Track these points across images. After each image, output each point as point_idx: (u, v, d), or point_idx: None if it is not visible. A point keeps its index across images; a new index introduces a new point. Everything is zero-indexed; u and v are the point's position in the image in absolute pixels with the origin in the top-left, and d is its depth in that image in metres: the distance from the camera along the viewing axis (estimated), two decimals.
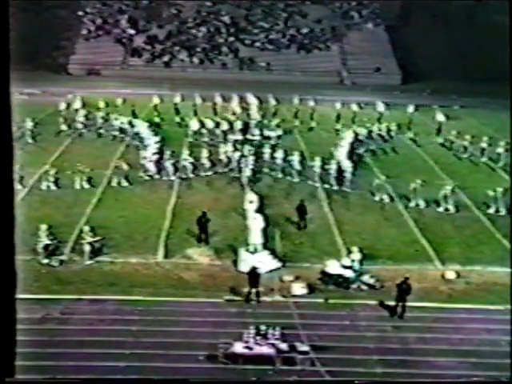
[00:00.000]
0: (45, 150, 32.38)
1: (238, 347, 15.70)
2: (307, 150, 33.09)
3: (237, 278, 19.65)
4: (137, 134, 35.39)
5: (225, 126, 35.85)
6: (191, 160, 29.88)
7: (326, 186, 28.46)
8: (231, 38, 62.52)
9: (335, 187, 28.38)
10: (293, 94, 43.18)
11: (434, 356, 16.16)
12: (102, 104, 39.17)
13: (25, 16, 46.72)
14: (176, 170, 29.43)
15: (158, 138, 33.97)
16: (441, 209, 26.16)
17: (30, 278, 18.71)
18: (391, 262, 21.42)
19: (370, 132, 36.44)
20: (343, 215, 25.51)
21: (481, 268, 21.26)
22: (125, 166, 28.65)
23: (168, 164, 29.50)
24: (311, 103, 41.55)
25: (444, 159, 33.82)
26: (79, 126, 36.32)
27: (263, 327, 16.26)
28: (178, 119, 39.24)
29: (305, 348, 16.00)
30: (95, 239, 21.18)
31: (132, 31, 62.81)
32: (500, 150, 33.08)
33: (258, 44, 62.09)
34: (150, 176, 29.09)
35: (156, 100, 40.99)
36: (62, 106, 38.53)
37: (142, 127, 35.86)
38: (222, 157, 30.50)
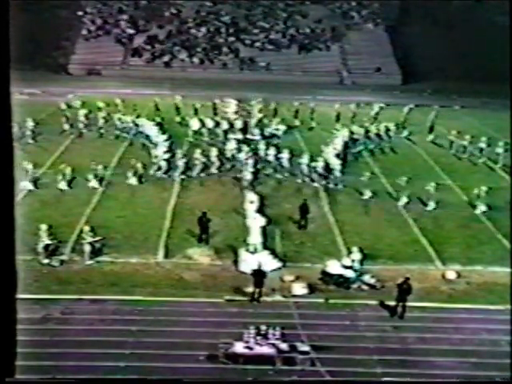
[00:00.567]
0: (45, 150, 32.37)
1: (239, 347, 15.70)
2: (308, 149, 33.08)
3: (237, 278, 19.67)
4: (141, 132, 35.47)
5: (225, 125, 35.92)
6: (204, 159, 30.00)
7: (312, 183, 28.83)
8: (231, 38, 62.52)
9: (321, 184, 28.64)
10: (293, 93, 43.17)
11: (434, 356, 16.16)
12: (102, 104, 39.15)
13: (25, 16, 46.66)
14: (187, 168, 29.54)
15: (165, 137, 34.11)
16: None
17: (31, 277, 18.73)
18: (392, 261, 21.43)
19: (367, 131, 36.47)
20: (344, 215, 25.50)
21: (481, 268, 21.27)
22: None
23: (181, 163, 29.58)
24: (311, 103, 41.54)
25: (444, 159, 33.82)
26: (80, 125, 36.31)
27: (264, 327, 16.25)
28: (178, 119, 39.24)
29: (305, 348, 16.01)
30: (95, 239, 21.18)
31: (132, 31, 62.83)
32: (499, 150, 33.10)
33: (258, 44, 62.09)
34: (164, 174, 29.22)
35: (157, 100, 40.97)
36: (63, 105, 38.52)
37: (147, 126, 35.87)
38: (223, 157, 30.54)
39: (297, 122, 39.49)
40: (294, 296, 18.92)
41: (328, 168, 29.43)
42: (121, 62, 59.66)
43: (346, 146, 33.81)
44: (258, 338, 15.94)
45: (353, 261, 20.17)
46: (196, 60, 59.93)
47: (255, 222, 23.15)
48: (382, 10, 66.32)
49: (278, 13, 65.93)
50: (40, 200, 25.87)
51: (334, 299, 18.81)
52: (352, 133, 35.65)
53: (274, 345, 15.83)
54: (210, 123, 36.35)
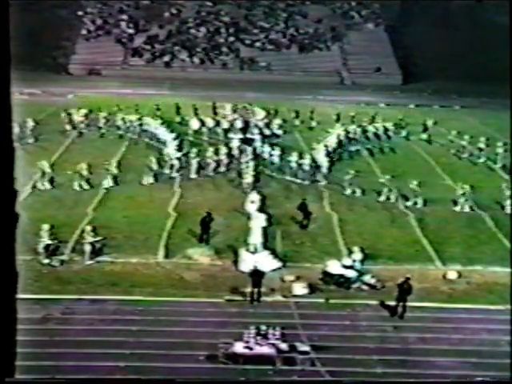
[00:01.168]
0: (46, 150, 32.36)
1: (239, 347, 15.70)
2: (308, 149, 33.08)
3: (238, 278, 19.65)
4: (145, 131, 35.48)
5: (225, 124, 35.92)
6: (216, 158, 30.05)
7: (298, 180, 29.13)
8: (231, 38, 62.55)
9: (307, 181, 28.86)
10: (293, 93, 43.17)
11: (435, 356, 16.16)
12: (103, 104, 39.18)
13: (25, 16, 46.69)
14: (200, 167, 29.60)
15: (174, 135, 34.11)
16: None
17: (31, 277, 18.72)
18: (392, 262, 21.42)
19: (364, 131, 36.46)
20: (344, 215, 25.49)
21: (482, 268, 21.26)
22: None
23: (194, 162, 29.59)
24: (311, 103, 41.56)
25: (445, 159, 33.81)
26: (81, 125, 36.32)
27: (264, 327, 16.26)
28: (178, 119, 39.24)
29: (305, 348, 16.00)
30: (96, 239, 21.17)
31: (132, 31, 62.84)
32: (499, 150, 33.08)
33: (258, 44, 62.12)
34: (177, 172, 29.30)
35: (157, 100, 40.99)
36: (64, 105, 38.54)
37: (154, 125, 35.82)
38: (223, 157, 30.55)
39: (297, 122, 39.52)
40: (295, 296, 18.91)
41: (316, 166, 29.65)
42: (121, 62, 59.71)
43: (340, 144, 34.00)
44: (258, 338, 15.94)
45: (354, 261, 20.16)
46: (196, 60, 59.97)
47: (256, 222, 23.14)
48: (382, 10, 66.39)
49: (278, 13, 65.98)
50: (40, 200, 25.87)
51: (335, 299, 18.80)
52: (348, 132, 35.67)
53: (273, 345, 15.82)
54: (210, 123, 36.37)
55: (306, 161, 29.50)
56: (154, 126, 35.78)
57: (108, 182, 27.58)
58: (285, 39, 62.91)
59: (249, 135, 35.33)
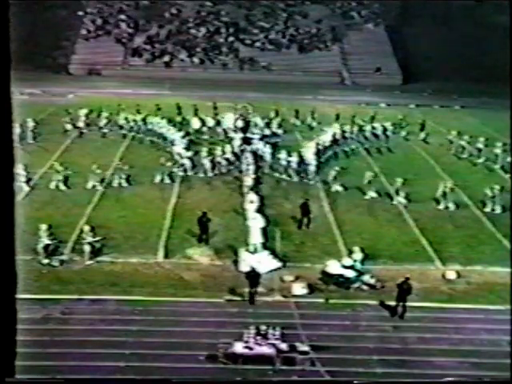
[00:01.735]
0: (46, 150, 32.36)
1: (238, 347, 15.70)
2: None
3: (237, 278, 19.65)
4: (150, 130, 35.41)
5: (225, 124, 35.90)
6: (228, 157, 30.06)
7: (286, 177, 29.36)
8: (231, 38, 62.51)
9: (295, 179, 29.03)
10: (293, 93, 43.17)
11: (434, 356, 16.16)
12: (103, 104, 39.16)
13: (25, 16, 46.67)
14: (214, 166, 29.56)
15: (182, 133, 34.05)
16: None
17: (31, 277, 18.73)
18: (392, 261, 21.42)
19: (361, 130, 36.44)
20: (344, 215, 25.49)
21: (481, 268, 21.26)
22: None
23: (206, 161, 29.54)
24: (312, 103, 41.55)
25: (445, 159, 33.80)
26: (82, 125, 36.31)
27: (263, 327, 16.26)
28: (179, 119, 39.21)
29: (305, 348, 16.00)
30: (96, 239, 21.17)
31: (132, 31, 62.82)
32: (498, 150, 33.06)
33: (258, 44, 62.09)
34: (185, 171, 29.30)
35: (158, 100, 40.96)
36: (65, 105, 38.52)
37: (159, 124, 35.68)
38: (229, 155, 30.58)
39: (297, 122, 39.52)
40: (294, 296, 18.91)
41: (304, 163, 29.75)
42: (121, 61, 59.64)
43: (335, 143, 34.12)
44: (258, 337, 15.94)
45: (355, 261, 20.17)
46: (196, 60, 59.91)
47: (255, 222, 23.13)
48: (382, 10, 66.33)
49: (278, 13, 65.93)
50: (40, 200, 25.86)
51: (334, 299, 18.80)
52: (344, 131, 35.65)
53: (273, 345, 15.82)
54: (210, 122, 36.36)
55: (294, 158, 29.57)
56: (161, 124, 35.66)
57: (119, 182, 27.63)
58: (285, 39, 62.86)
59: (249, 135, 35.34)
